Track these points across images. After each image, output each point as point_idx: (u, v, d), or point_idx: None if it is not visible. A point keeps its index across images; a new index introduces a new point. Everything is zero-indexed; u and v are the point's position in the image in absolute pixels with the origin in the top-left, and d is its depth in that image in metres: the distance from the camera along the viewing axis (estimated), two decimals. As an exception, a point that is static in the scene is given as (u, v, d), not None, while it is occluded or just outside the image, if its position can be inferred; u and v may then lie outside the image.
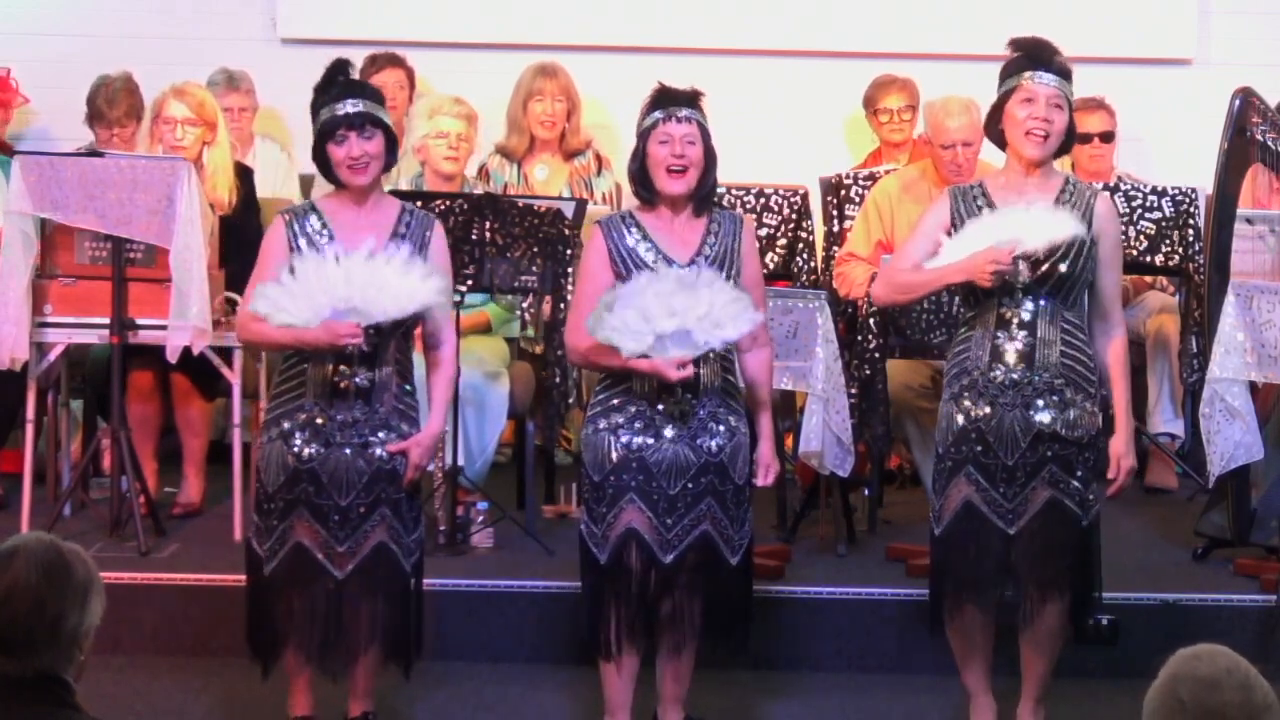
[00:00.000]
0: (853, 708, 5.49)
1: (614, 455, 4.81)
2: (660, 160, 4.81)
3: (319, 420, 4.82)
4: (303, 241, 4.88)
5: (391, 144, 4.94)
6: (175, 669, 5.58)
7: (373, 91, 5.02)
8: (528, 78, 7.29)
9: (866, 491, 6.55)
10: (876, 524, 6.50)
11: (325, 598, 4.83)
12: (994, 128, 4.98)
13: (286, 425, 4.84)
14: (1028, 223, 4.82)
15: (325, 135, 4.86)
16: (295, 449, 4.81)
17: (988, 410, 4.86)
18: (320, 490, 4.81)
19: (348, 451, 4.81)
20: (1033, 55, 4.92)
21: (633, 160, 4.90)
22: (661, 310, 4.69)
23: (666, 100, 4.87)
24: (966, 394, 4.89)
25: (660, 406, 4.80)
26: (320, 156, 4.91)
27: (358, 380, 4.82)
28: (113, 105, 7.21)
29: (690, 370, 4.73)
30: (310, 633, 4.84)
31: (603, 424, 4.84)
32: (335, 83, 4.93)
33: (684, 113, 4.84)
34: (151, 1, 8.19)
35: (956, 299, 5.94)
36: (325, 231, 4.89)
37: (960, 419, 4.89)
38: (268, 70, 7.66)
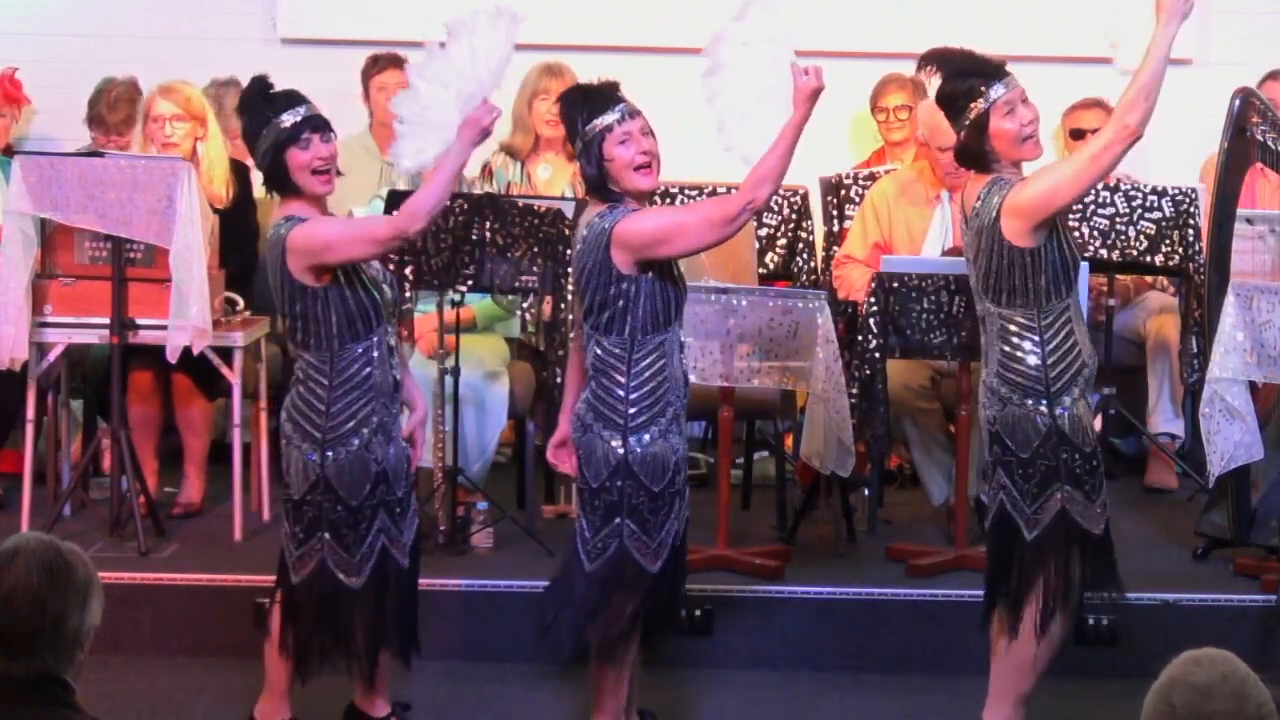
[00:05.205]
0: (853, 708, 5.49)
1: (671, 461, 4.72)
2: (627, 161, 4.70)
3: (385, 421, 4.79)
4: None
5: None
6: (175, 669, 5.59)
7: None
8: (534, 76, 7.28)
9: (866, 491, 6.55)
10: (876, 524, 6.50)
11: (399, 588, 4.83)
12: (980, 149, 4.90)
13: (365, 432, 4.76)
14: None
15: (288, 142, 4.71)
16: (374, 454, 4.76)
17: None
18: (389, 488, 4.80)
19: (401, 444, 4.85)
20: (980, 71, 4.90)
21: (589, 165, 4.73)
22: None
23: (608, 100, 4.75)
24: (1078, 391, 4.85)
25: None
26: (276, 166, 4.73)
27: (395, 375, 4.82)
28: (112, 110, 7.19)
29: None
30: (386, 629, 4.84)
31: (655, 430, 4.70)
32: (274, 94, 4.82)
33: (631, 108, 4.75)
34: (151, 1, 8.20)
35: (957, 299, 5.94)
36: None
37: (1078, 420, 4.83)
38: (268, 70, 7.63)
